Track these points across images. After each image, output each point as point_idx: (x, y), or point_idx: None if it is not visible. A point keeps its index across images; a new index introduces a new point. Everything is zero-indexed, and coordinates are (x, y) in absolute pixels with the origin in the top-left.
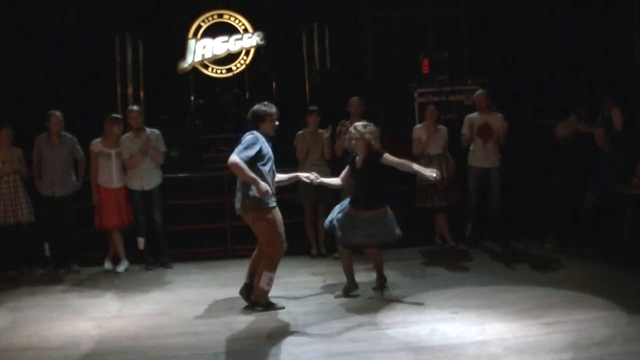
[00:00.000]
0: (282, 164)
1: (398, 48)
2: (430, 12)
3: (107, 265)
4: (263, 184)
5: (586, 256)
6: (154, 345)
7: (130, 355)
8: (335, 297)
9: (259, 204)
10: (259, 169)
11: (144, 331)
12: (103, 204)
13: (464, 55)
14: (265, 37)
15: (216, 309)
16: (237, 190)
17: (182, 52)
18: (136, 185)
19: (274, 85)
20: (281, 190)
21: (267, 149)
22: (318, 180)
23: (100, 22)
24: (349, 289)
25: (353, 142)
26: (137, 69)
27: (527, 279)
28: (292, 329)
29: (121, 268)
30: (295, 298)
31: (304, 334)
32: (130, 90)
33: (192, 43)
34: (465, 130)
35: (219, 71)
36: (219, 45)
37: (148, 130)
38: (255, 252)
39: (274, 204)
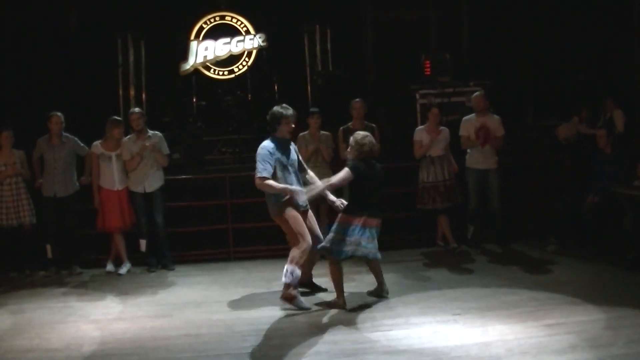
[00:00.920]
0: None
1: (400, 50)
2: (432, 14)
3: (109, 267)
4: (294, 189)
5: (588, 258)
6: (156, 347)
7: (132, 357)
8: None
9: (274, 207)
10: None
11: (145, 333)
12: (105, 206)
13: (465, 57)
14: (267, 39)
15: (218, 310)
16: None
17: (184, 54)
18: (138, 187)
19: (275, 87)
20: None
21: (281, 155)
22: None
23: (102, 24)
24: (336, 304)
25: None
26: (139, 71)
27: (529, 280)
28: (294, 330)
29: (123, 270)
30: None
31: (306, 335)
32: (132, 92)
33: (194, 45)
34: (462, 132)
35: (220, 73)
36: (220, 47)
37: (150, 132)
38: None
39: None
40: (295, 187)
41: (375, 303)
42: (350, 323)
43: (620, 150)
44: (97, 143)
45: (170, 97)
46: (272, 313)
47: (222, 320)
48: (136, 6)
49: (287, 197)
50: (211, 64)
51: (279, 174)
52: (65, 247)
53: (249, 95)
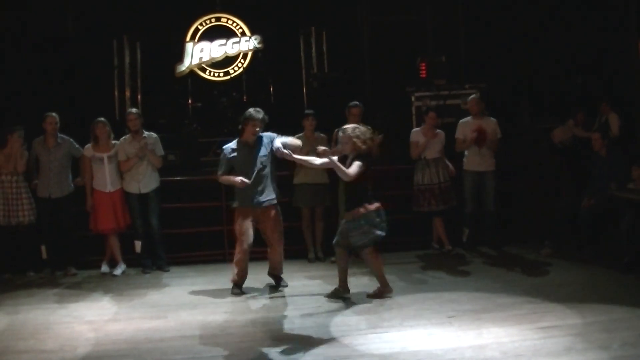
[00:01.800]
0: (279, 167)
1: (395, 52)
2: (428, 17)
3: (104, 268)
4: (236, 179)
5: (584, 260)
6: (151, 348)
7: (126, 359)
8: (325, 297)
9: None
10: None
11: (140, 334)
12: (97, 208)
13: (461, 60)
14: (263, 41)
15: (213, 312)
16: None
17: (179, 56)
18: (133, 188)
19: (271, 89)
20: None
21: (243, 155)
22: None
23: (98, 26)
24: (338, 292)
25: (340, 145)
26: (134, 73)
27: (524, 283)
28: (289, 332)
29: (118, 271)
30: (292, 302)
31: (301, 337)
32: (127, 94)
33: (189, 46)
34: (459, 135)
35: (216, 74)
36: (216, 49)
37: (146, 133)
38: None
39: (236, 204)
40: (239, 177)
41: (370, 305)
42: (345, 325)
43: (615, 153)
44: (88, 146)
45: (165, 99)
46: (267, 314)
47: (217, 321)
48: (132, 8)
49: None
50: (207, 66)
51: (240, 172)
52: (60, 248)
53: (245, 97)
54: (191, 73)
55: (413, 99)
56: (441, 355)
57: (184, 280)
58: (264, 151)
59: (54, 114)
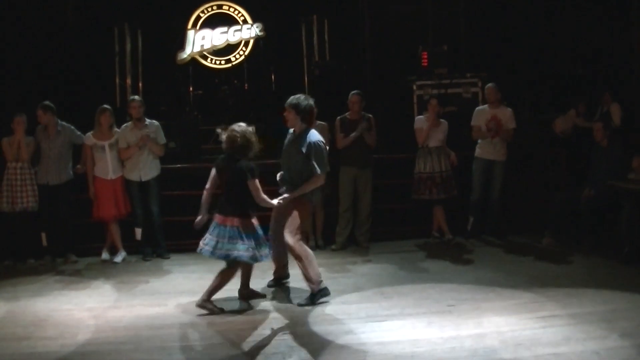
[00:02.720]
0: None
1: (397, 41)
2: (429, 6)
3: (105, 255)
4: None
5: (583, 251)
6: (151, 335)
7: (126, 346)
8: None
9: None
10: None
11: (140, 321)
12: (99, 196)
13: (462, 49)
14: (265, 29)
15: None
16: None
17: (181, 43)
18: (134, 175)
19: (272, 77)
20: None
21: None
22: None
23: (99, 14)
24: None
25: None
26: (135, 60)
27: (524, 272)
28: (289, 320)
29: (118, 259)
30: (292, 290)
31: (300, 325)
32: (129, 82)
33: (191, 34)
34: (474, 122)
35: (217, 62)
36: (218, 36)
37: (147, 121)
38: None
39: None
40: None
41: (370, 294)
42: (344, 313)
43: (616, 143)
44: (89, 134)
45: (167, 87)
46: (267, 302)
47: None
48: None
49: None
50: (208, 54)
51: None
52: (60, 235)
53: (246, 85)
54: (192, 61)
55: (414, 88)
56: (441, 344)
57: (184, 268)
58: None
59: (46, 103)
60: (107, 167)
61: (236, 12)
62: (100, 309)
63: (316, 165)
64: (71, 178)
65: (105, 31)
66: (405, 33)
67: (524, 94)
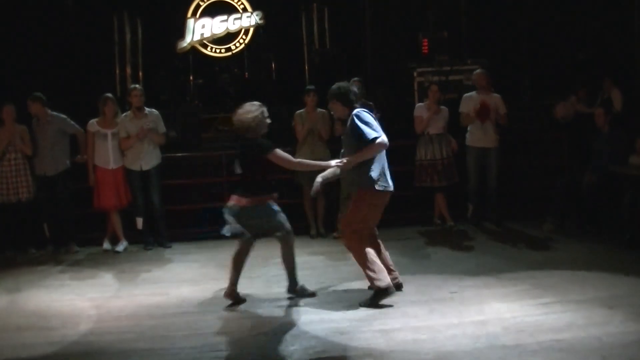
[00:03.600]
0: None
1: (397, 28)
2: None
3: (106, 245)
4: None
5: (585, 237)
6: (152, 325)
7: (128, 335)
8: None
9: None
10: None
11: (142, 311)
12: (100, 185)
13: (463, 36)
14: (265, 17)
15: (214, 288)
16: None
17: (180, 32)
18: (134, 165)
19: (272, 65)
20: (280, 170)
21: None
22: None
23: (98, 3)
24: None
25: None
26: (135, 49)
27: (526, 259)
28: (291, 308)
29: (120, 248)
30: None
31: (303, 313)
32: (129, 71)
33: (191, 22)
34: (463, 108)
35: (217, 51)
36: (218, 25)
37: (147, 110)
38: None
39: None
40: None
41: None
42: (346, 301)
43: (617, 129)
44: (93, 121)
45: (167, 75)
46: (269, 291)
47: (219, 298)
48: None
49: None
50: (208, 42)
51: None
52: (59, 225)
53: (246, 73)
54: (192, 49)
55: (415, 74)
56: (443, 331)
57: (186, 257)
58: None
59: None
60: (108, 157)
61: (236, 0)
62: (102, 299)
63: (365, 132)
64: (68, 168)
65: (105, 20)
66: (406, 20)
67: (524, 79)
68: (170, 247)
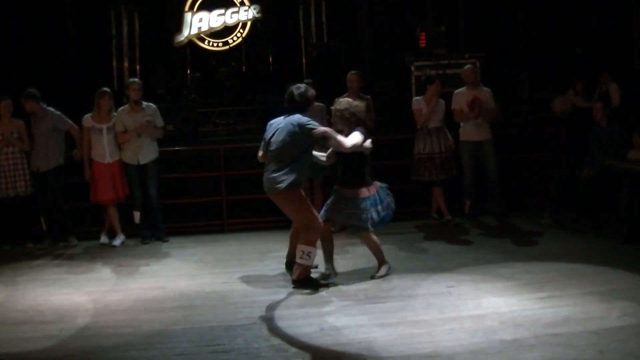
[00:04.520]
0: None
1: (395, 22)
2: None
3: (103, 239)
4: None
5: (582, 231)
6: (150, 318)
7: (125, 329)
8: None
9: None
10: None
11: (139, 305)
12: (97, 179)
13: (461, 29)
14: (262, 10)
15: (211, 282)
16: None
17: (178, 26)
18: (131, 158)
19: (270, 59)
20: None
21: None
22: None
23: None
24: (326, 276)
25: (335, 120)
26: (133, 43)
27: (523, 253)
28: (288, 302)
29: (117, 242)
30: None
31: (300, 307)
32: (126, 64)
33: (188, 16)
34: (455, 105)
35: (215, 44)
36: (215, 18)
37: (144, 104)
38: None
39: None
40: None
41: (369, 275)
42: (344, 295)
43: (615, 123)
44: (87, 116)
45: (164, 69)
46: (266, 284)
47: (216, 292)
48: None
49: None
50: (205, 36)
51: None
52: (54, 219)
53: (243, 67)
54: (190, 43)
55: (412, 68)
56: (440, 325)
57: (183, 251)
58: None
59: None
60: (104, 151)
61: None
62: (99, 293)
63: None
64: (60, 164)
65: (102, 14)
66: (403, 13)
67: (522, 73)
68: (167, 241)
